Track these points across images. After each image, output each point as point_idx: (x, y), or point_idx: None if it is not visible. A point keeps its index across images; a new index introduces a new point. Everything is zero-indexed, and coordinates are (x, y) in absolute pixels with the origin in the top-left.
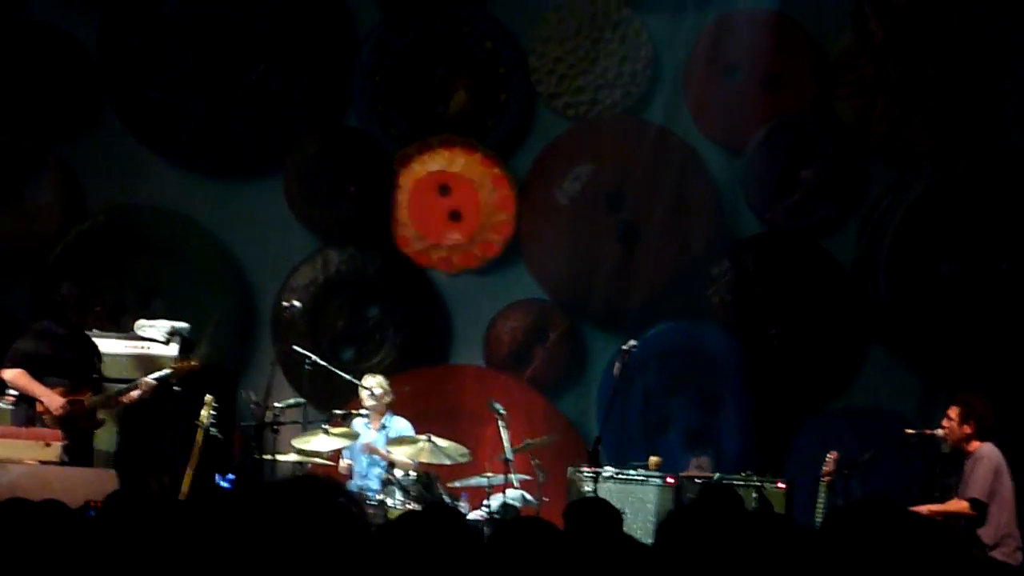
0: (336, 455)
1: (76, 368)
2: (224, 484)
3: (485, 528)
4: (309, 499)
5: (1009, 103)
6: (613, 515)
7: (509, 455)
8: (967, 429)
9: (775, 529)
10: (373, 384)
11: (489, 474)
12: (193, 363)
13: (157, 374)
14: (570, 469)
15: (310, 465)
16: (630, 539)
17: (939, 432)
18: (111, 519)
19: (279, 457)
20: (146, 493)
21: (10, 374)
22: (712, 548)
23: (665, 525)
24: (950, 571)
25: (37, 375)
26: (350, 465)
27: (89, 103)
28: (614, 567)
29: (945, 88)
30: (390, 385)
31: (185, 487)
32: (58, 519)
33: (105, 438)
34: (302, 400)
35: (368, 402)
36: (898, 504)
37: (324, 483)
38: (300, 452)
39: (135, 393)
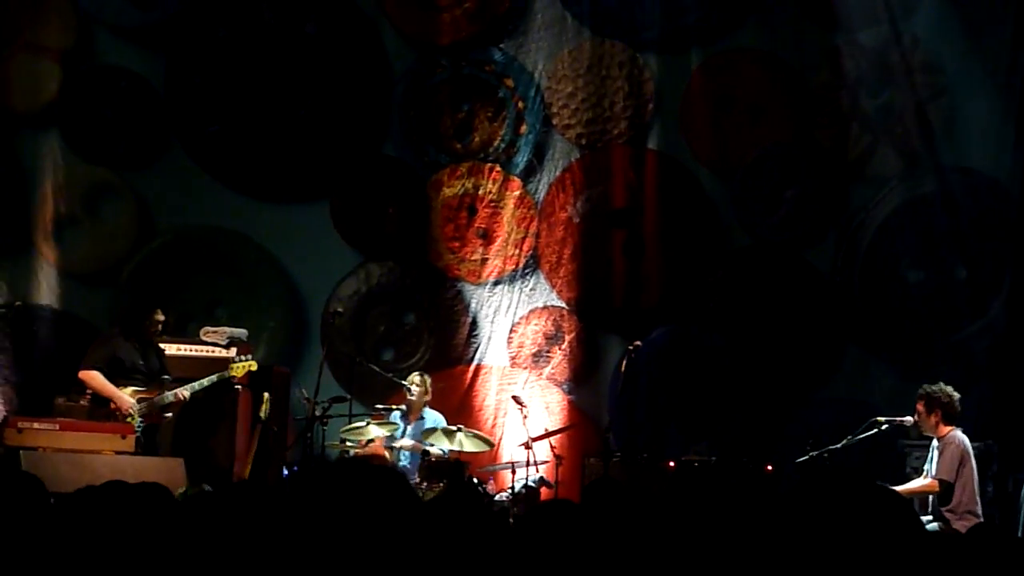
0: (378, 445)
1: (144, 371)
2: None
3: (512, 507)
4: (369, 475)
5: (966, 130)
6: (625, 494)
7: (530, 442)
8: (935, 418)
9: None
10: (418, 383)
11: (513, 460)
12: (251, 364)
13: (195, 384)
14: (584, 455)
15: (355, 453)
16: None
17: (908, 420)
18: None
19: (328, 447)
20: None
21: (87, 375)
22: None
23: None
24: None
25: (110, 377)
26: (390, 454)
27: (158, 136)
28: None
29: (911, 118)
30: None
31: (246, 474)
32: (155, 501)
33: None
34: (347, 396)
35: (412, 398)
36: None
37: (378, 463)
38: (346, 442)
39: (179, 398)
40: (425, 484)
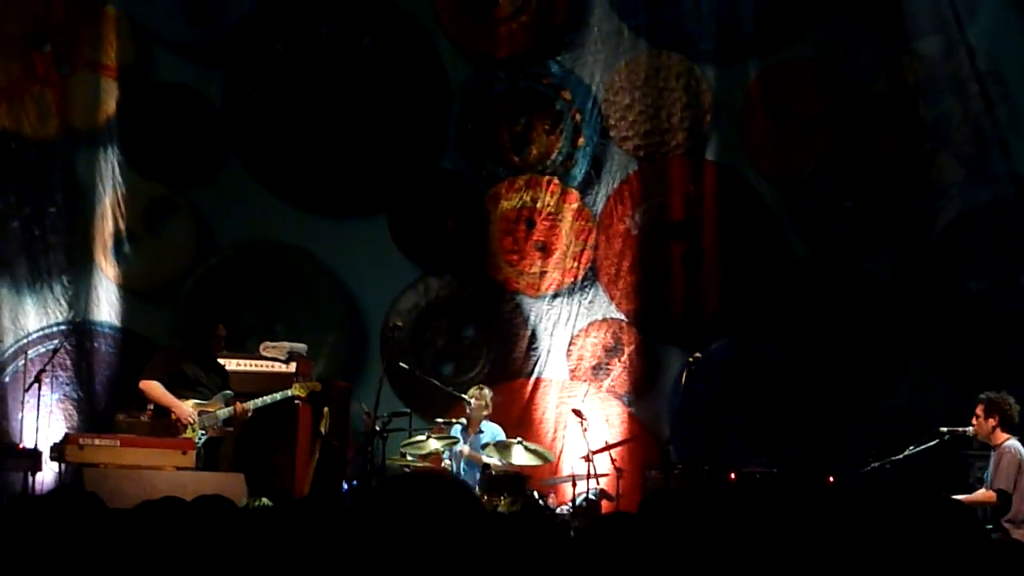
0: (437, 458)
1: (204, 384)
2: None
3: (573, 520)
4: (437, 489)
5: None
6: (684, 504)
7: (590, 454)
8: (992, 422)
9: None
10: (477, 396)
11: (573, 473)
12: (315, 384)
13: (257, 401)
14: (645, 467)
15: (415, 467)
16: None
17: (969, 430)
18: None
19: (388, 460)
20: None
21: (146, 385)
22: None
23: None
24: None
25: (173, 389)
26: (450, 467)
27: (216, 152)
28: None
29: (971, 126)
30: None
31: (306, 488)
32: (214, 514)
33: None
34: (407, 410)
35: (472, 412)
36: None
37: (447, 476)
38: (406, 456)
39: (241, 411)
40: (486, 497)
